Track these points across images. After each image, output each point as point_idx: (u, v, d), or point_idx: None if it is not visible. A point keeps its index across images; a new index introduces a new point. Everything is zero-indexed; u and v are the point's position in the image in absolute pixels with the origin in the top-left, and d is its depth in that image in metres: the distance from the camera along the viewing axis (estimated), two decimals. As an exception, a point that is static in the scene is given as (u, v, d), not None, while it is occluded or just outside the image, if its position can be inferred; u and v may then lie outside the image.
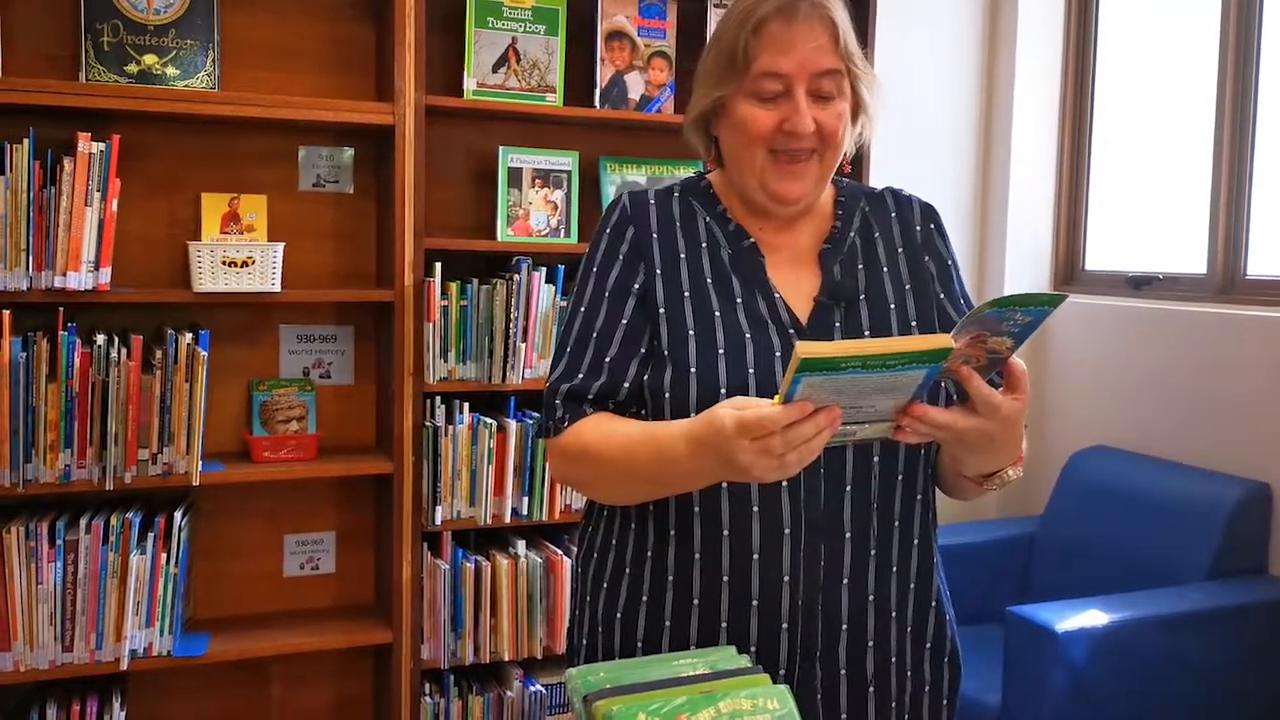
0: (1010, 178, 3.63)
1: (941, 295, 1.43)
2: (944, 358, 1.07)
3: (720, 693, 0.96)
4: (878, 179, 3.08)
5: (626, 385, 1.35)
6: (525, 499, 2.80)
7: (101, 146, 2.38)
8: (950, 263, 1.46)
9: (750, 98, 1.34)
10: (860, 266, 1.41)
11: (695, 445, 1.17)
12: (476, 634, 2.79)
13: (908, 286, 1.41)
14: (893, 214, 1.47)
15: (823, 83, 1.32)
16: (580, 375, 1.36)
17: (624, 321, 1.37)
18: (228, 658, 2.59)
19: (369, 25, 2.81)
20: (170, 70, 2.56)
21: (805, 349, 1.00)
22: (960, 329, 1.09)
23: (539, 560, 2.83)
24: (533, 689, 2.81)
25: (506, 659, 2.82)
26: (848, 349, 1.01)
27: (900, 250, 1.44)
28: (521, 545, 2.86)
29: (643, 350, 1.36)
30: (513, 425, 2.76)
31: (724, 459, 1.12)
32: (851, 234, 1.43)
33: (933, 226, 1.47)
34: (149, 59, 2.54)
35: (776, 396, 1.08)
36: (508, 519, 2.78)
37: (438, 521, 2.73)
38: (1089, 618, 2.49)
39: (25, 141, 2.33)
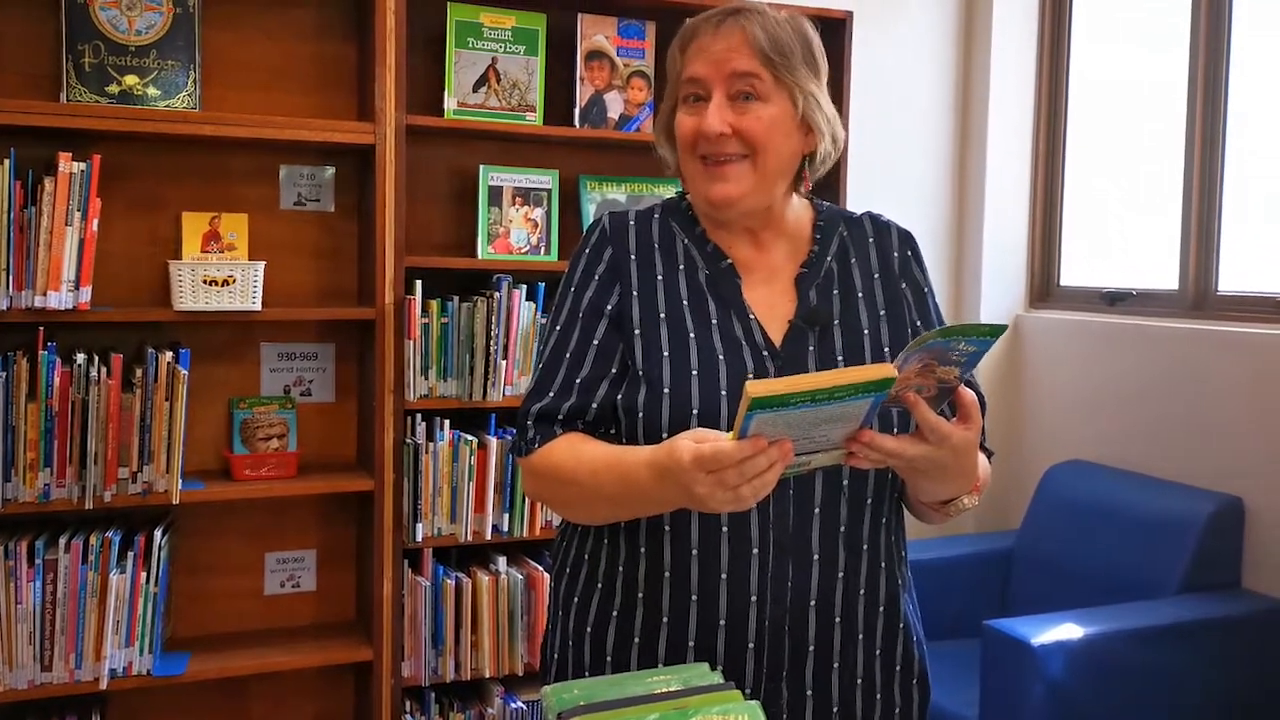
0: (986, 195, 3.67)
1: (918, 322, 1.45)
2: (889, 386, 1.10)
3: (692, 709, 0.98)
4: (854, 198, 3.12)
5: (595, 406, 1.37)
6: (506, 515, 2.81)
7: (82, 166, 2.39)
8: (927, 290, 1.49)
9: (683, 105, 1.40)
10: (836, 291, 1.42)
11: (656, 473, 1.19)
12: (458, 651, 2.79)
13: (882, 313, 1.43)
14: (870, 239, 1.48)
15: (739, 85, 1.35)
16: (551, 395, 1.38)
17: (595, 342, 1.39)
18: (208, 676, 2.59)
19: (349, 45, 2.82)
20: (151, 90, 2.57)
21: (754, 388, 1.03)
22: (906, 358, 1.13)
23: (520, 577, 2.83)
24: (514, 706, 2.81)
25: (488, 676, 2.82)
26: (795, 385, 1.05)
27: (876, 276, 1.46)
28: (502, 562, 2.86)
29: (614, 370, 1.38)
30: (493, 442, 2.77)
31: (682, 489, 1.15)
32: (829, 258, 1.45)
33: (910, 253, 1.49)
34: (130, 79, 2.55)
35: (731, 433, 1.11)
36: (489, 536, 2.79)
37: (418, 538, 2.73)
38: (1065, 631, 2.51)
39: (6, 161, 2.34)
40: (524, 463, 1.40)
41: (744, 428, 1.07)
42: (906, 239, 1.51)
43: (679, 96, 1.40)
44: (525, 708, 2.82)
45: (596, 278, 1.42)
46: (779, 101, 1.36)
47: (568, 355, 1.39)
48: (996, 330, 1.13)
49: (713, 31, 1.37)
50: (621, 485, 1.26)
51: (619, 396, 1.37)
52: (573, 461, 1.33)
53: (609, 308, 1.40)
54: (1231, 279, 3.10)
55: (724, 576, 1.33)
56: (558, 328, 1.42)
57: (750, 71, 1.34)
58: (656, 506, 1.28)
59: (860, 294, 1.43)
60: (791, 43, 1.36)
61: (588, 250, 1.44)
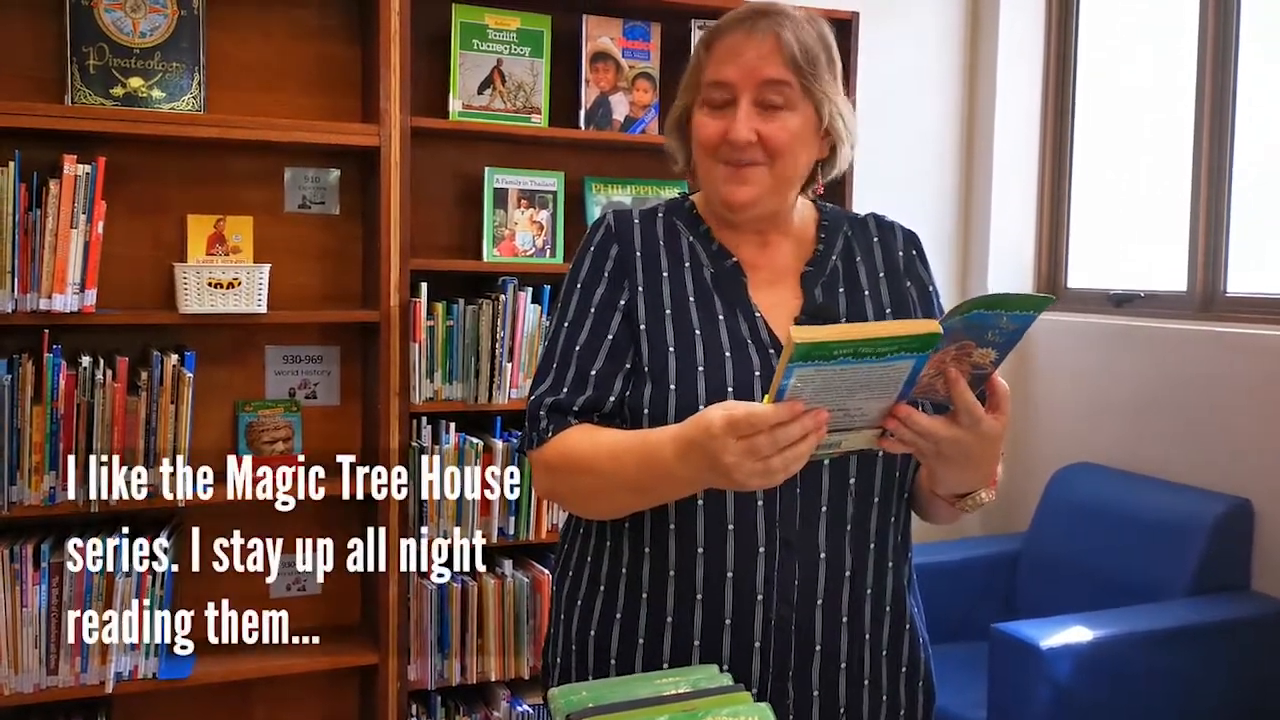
0: (992, 197, 3.66)
1: None
2: (932, 345, 1.06)
3: (702, 710, 0.97)
4: (861, 200, 3.11)
5: (613, 399, 1.35)
6: (512, 519, 2.80)
7: (87, 169, 2.39)
8: (932, 289, 1.48)
9: (704, 107, 1.38)
10: (842, 289, 1.42)
11: (682, 447, 1.17)
12: (463, 654, 2.79)
13: (888, 310, 1.43)
14: (875, 239, 1.48)
15: (768, 93, 1.34)
16: (565, 390, 1.36)
17: (610, 337, 1.37)
18: (213, 680, 2.58)
19: (354, 47, 2.82)
20: (156, 93, 2.57)
21: (800, 334, 1.00)
22: (947, 327, 1.07)
23: (525, 580, 2.83)
24: (520, 709, 2.81)
25: (493, 679, 2.81)
26: (841, 333, 1.01)
27: (882, 274, 1.45)
28: (508, 565, 2.86)
29: (628, 366, 1.36)
30: (499, 445, 2.77)
31: (710, 460, 1.12)
32: (834, 257, 1.44)
33: (915, 253, 1.49)
34: (135, 82, 2.55)
35: (766, 397, 1.08)
36: (495, 539, 2.78)
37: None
38: (1073, 634, 2.50)
39: (11, 164, 2.34)
40: (536, 455, 1.37)
41: (783, 384, 1.04)
42: (911, 238, 1.50)
43: (701, 97, 1.38)
44: (531, 711, 2.81)
45: (606, 275, 1.41)
46: (804, 110, 1.35)
47: (578, 349, 1.38)
48: (1041, 303, 1.08)
49: (744, 34, 1.35)
50: (644, 466, 1.23)
51: (627, 393, 1.36)
52: (591, 449, 1.30)
53: (622, 303, 1.39)
54: (1240, 280, 3.08)
55: (730, 575, 1.31)
56: (565, 324, 1.41)
57: (781, 79, 1.33)
58: (679, 488, 1.25)
59: (866, 292, 1.43)
60: (817, 48, 1.35)
61: (593, 247, 1.43)
